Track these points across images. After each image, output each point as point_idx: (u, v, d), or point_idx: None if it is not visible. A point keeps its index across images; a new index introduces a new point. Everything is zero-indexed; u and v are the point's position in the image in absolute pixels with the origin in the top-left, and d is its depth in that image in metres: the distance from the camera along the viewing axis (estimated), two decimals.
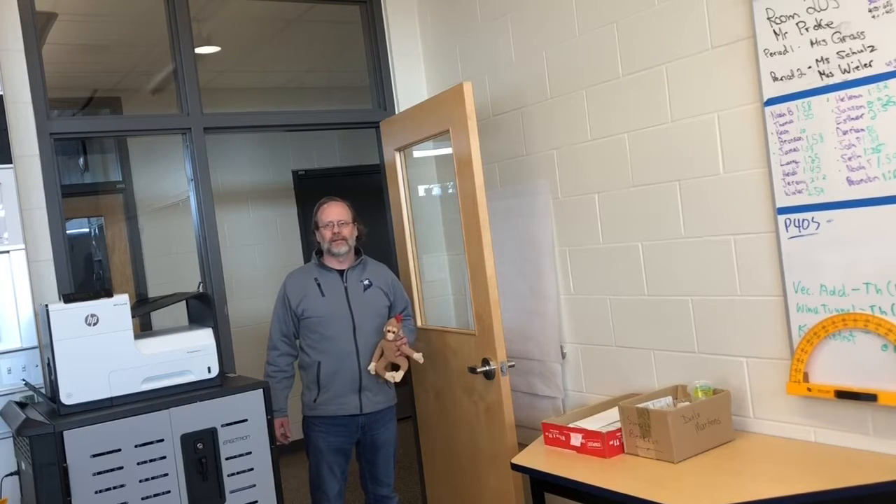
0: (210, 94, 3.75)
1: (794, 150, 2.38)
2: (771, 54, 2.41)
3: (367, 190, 4.30)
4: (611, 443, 2.56)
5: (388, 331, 3.12)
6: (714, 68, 2.61)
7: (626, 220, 3.00)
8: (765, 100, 2.45)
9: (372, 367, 3.13)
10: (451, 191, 3.89)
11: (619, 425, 2.60)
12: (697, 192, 2.72)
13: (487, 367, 3.14)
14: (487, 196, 3.15)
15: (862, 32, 2.18)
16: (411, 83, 3.97)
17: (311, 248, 3.49)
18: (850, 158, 2.26)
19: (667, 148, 2.81)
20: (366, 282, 3.26)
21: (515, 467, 2.67)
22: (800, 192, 2.39)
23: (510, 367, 3.14)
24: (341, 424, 3.18)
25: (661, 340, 2.91)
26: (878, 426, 2.30)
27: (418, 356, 3.18)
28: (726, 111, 2.59)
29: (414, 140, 3.61)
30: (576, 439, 2.64)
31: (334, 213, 3.22)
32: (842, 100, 2.26)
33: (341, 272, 3.24)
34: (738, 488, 2.17)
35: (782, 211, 2.44)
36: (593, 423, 2.70)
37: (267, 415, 2.78)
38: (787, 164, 2.41)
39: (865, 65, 2.19)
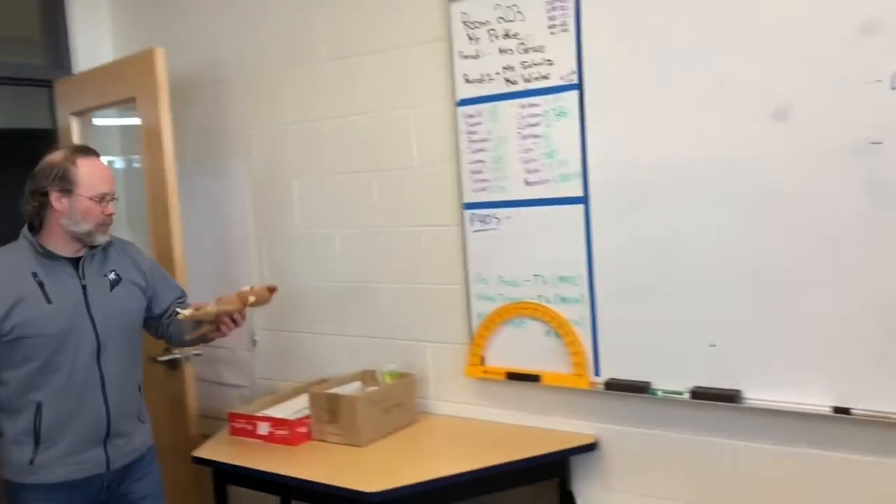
0: None
1: (482, 150, 2.55)
2: (465, 57, 2.55)
3: (34, 157, 3.78)
4: (299, 430, 2.54)
5: (249, 293, 2.28)
6: (413, 65, 2.70)
7: (323, 206, 2.99)
8: (457, 100, 2.58)
9: (187, 312, 2.27)
10: (136, 165, 3.58)
11: (308, 412, 2.59)
12: (392, 183, 2.80)
13: (170, 357, 2.94)
14: (178, 173, 2.94)
15: (542, 46, 2.39)
16: (94, 41, 3.57)
17: None
18: (528, 162, 2.46)
19: (365, 138, 2.84)
20: (111, 275, 2.25)
21: (196, 460, 2.54)
22: (484, 189, 2.56)
23: (196, 355, 2.97)
24: (77, 489, 2.17)
25: (353, 326, 2.96)
26: (542, 404, 2.55)
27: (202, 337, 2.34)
28: (422, 107, 2.69)
29: (95, 105, 3.26)
30: (263, 428, 2.57)
31: (110, 181, 2.20)
32: (523, 107, 2.46)
33: (75, 262, 2.20)
34: (421, 468, 2.27)
35: (468, 206, 2.60)
36: (283, 411, 2.65)
37: None
38: (475, 162, 2.57)
39: (544, 77, 2.41)
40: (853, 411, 2.00)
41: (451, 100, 2.61)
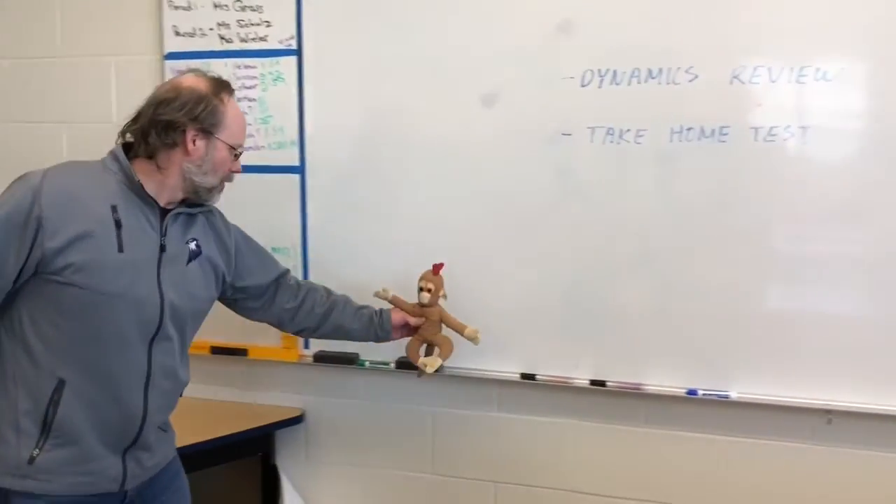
0: None
1: None
2: (175, 7, 2.38)
3: None
4: None
5: (426, 288, 1.98)
6: (115, 9, 2.47)
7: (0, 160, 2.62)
8: (165, 53, 2.40)
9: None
10: None
11: None
12: (86, 138, 2.51)
13: None
14: None
15: (260, 7, 2.30)
16: None
17: None
18: None
19: (56, 85, 2.55)
20: (192, 245, 1.70)
21: None
22: None
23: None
24: None
25: None
26: (248, 378, 2.48)
27: (472, 332, 1.99)
28: (126, 57, 2.48)
29: None
30: None
31: (245, 132, 1.76)
32: (238, 67, 2.34)
33: (163, 213, 1.63)
34: None
35: None
36: None
37: None
38: None
39: (261, 38, 2.31)
40: (537, 377, 2.21)
41: (158, 52, 2.42)
